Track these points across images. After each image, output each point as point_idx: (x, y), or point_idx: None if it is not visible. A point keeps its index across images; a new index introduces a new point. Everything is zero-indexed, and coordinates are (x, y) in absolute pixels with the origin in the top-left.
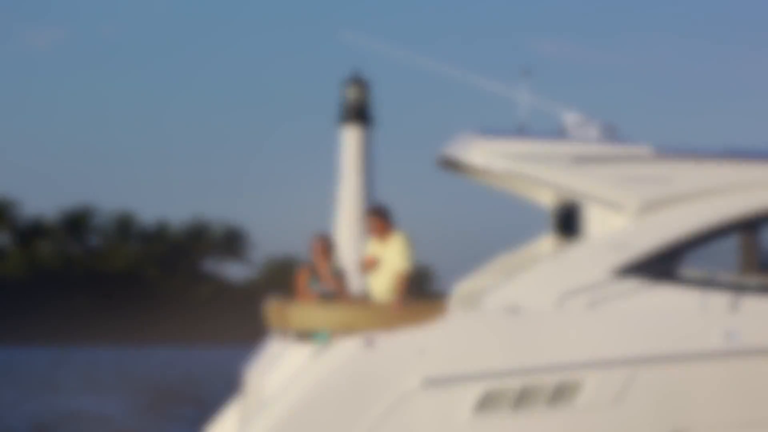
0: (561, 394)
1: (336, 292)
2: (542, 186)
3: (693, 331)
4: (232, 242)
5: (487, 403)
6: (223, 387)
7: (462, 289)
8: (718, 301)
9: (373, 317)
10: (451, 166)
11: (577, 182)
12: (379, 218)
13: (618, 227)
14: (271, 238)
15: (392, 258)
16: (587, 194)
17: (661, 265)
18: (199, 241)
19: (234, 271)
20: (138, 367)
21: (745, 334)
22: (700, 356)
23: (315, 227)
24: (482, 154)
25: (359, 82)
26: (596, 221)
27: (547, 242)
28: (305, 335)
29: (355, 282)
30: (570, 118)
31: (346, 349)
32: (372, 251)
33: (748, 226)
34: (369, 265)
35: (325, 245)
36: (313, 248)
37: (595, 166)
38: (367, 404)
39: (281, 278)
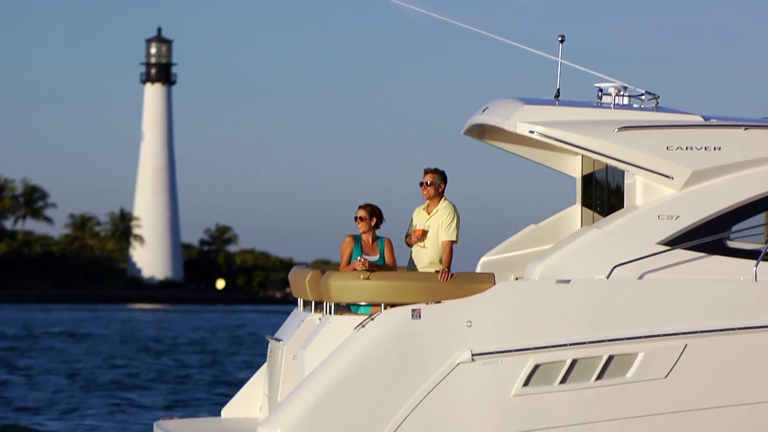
0: (612, 367)
1: (381, 263)
2: (586, 155)
3: (745, 303)
4: (32, 200)
5: (537, 376)
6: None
7: (490, 261)
8: None
9: (419, 289)
10: (484, 133)
11: (623, 151)
12: (441, 180)
13: (666, 197)
14: (72, 197)
15: (439, 228)
16: (634, 163)
17: (712, 236)
18: None
19: (34, 229)
20: None
21: None
22: (753, 328)
23: (116, 185)
24: (525, 121)
25: (162, 40)
26: (643, 191)
27: (575, 214)
28: (345, 307)
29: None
30: (607, 85)
31: (393, 320)
32: (417, 221)
33: None
34: (418, 237)
35: (372, 214)
36: (359, 217)
37: (642, 134)
38: (414, 377)
39: (81, 237)
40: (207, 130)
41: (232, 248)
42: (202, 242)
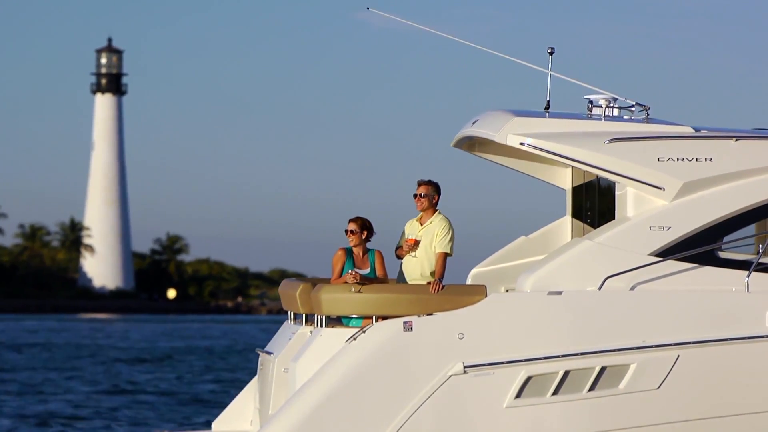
0: (605, 378)
1: (372, 276)
2: (577, 167)
3: (737, 314)
4: None
5: (529, 388)
6: None
7: (480, 273)
8: (760, 282)
9: (411, 301)
10: (474, 146)
11: (614, 163)
12: (435, 192)
13: (658, 208)
14: (22, 206)
15: (432, 240)
16: (625, 175)
17: (703, 247)
18: None
19: None
20: None
21: None
22: (745, 339)
23: (66, 195)
24: (516, 133)
25: (113, 50)
26: (634, 202)
27: (565, 225)
28: (336, 319)
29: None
30: (598, 97)
31: (384, 332)
32: (410, 232)
33: None
34: (410, 247)
35: (363, 227)
36: (350, 230)
37: (633, 146)
38: (406, 390)
39: (31, 247)
40: (158, 140)
41: (186, 258)
42: (153, 252)
